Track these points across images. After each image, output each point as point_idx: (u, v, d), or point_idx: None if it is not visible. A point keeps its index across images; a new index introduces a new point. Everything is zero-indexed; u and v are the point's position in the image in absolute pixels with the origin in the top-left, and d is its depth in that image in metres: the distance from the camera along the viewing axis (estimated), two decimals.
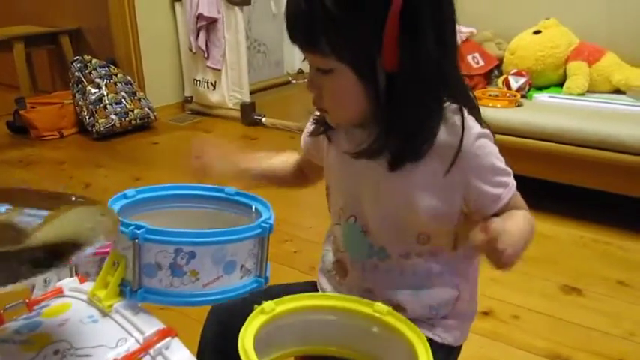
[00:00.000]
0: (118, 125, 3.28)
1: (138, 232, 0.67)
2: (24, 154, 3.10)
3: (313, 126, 0.90)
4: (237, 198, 0.84)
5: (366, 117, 0.78)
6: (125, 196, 0.79)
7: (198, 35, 3.45)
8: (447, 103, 0.78)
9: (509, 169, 0.82)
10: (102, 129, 3.24)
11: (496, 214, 0.80)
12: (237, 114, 3.48)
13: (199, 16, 3.37)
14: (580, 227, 2.10)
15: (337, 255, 0.92)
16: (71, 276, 0.77)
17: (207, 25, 3.40)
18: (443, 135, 0.77)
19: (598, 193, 2.08)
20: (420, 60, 0.73)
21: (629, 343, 1.52)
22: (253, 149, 3.16)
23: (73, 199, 0.66)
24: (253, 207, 0.80)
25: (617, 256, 1.93)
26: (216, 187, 0.86)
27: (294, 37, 0.76)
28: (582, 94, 2.31)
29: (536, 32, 2.43)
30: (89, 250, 0.58)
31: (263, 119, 3.40)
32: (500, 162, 0.80)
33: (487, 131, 0.80)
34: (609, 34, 2.41)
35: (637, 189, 2.00)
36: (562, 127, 2.05)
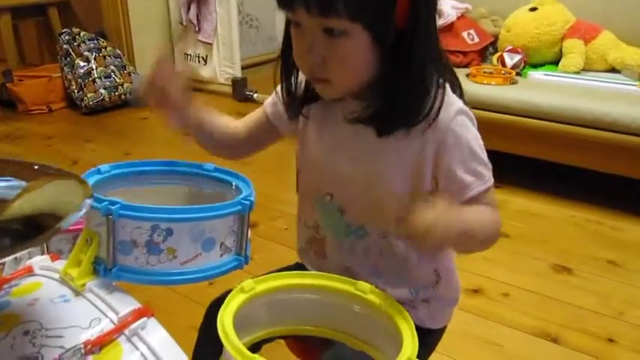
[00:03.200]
0: (107, 99, 3.23)
1: (112, 207, 0.64)
2: (11, 129, 3.05)
3: (291, 100, 0.85)
4: (216, 174, 0.81)
5: (367, 84, 0.75)
6: (99, 171, 0.76)
7: (189, 8, 3.38)
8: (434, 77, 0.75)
9: (488, 162, 0.77)
10: (91, 103, 3.19)
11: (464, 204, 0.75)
12: (229, 89, 3.43)
13: None
14: (572, 206, 2.08)
15: (312, 234, 0.89)
16: (42, 254, 0.74)
17: None
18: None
19: (591, 172, 2.06)
20: (426, 21, 0.71)
21: (619, 322, 1.52)
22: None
23: (52, 171, 0.63)
24: (233, 184, 0.77)
25: (609, 236, 1.92)
26: (194, 163, 0.83)
27: (306, 2, 0.69)
28: (578, 73, 2.27)
29: (533, 9, 2.39)
30: (67, 224, 0.55)
31: (255, 95, 3.35)
32: (480, 149, 0.76)
33: (469, 110, 0.77)
34: (606, 13, 2.37)
35: (631, 169, 1.98)
36: (557, 105, 2.02)
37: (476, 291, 1.64)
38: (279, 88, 0.86)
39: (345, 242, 0.85)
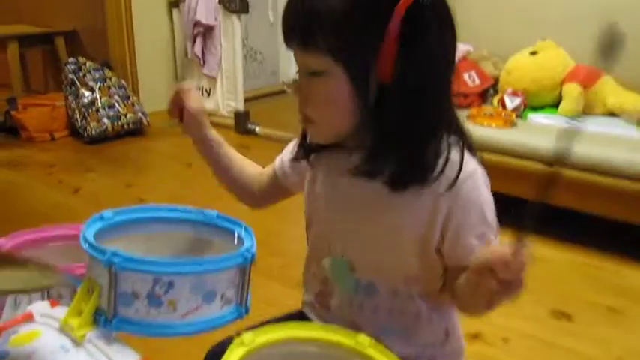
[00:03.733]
0: (110, 129, 3.25)
1: (114, 259, 0.64)
2: (13, 155, 3.07)
3: (296, 149, 0.87)
4: (218, 221, 0.81)
5: (351, 132, 0.75)
6: (102, 218, 0.76)
7: (194, 42, 3.43)
8: (444, 135, 0.75)
9: (495, 225, 0.77)
10: (93, 133, 3.21)
11: (465, 268, 0.74)
12: (231, 122, 3.46)
13: (197, 23, 3.36)
14: (572, 250, 2.08)
15: (321, 288, 0.89)
16: (42, 299, 0.74)
17: (205, 31, 3.39)
18: (437, 168, 0.74)
19: (591, 216, 2.06)
20: (414, 76, 0.70)
21: None
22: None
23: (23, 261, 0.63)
24: (236, 233, 0.78)
25: (609, 282, 1.91)
26: (196, 209, 0.83)
27: (291, 35, 0.73)
28: (577, 117, 2.29)
29: (533, 53, 2.42)
30: None
31: (257, 129, 3.38)
32: (490, 213, 0.76)
33: (482, 169, 0.76)
34: None
35: (630, 214, 1.99)
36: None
37: (475, 336, 1.63)
38: (287, 146, 0.87)
39: (354, 298, 0.84)
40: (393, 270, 0.80)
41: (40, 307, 0.72)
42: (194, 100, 0.92)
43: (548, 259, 2.04)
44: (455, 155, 0.74)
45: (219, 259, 0.69)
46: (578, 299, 1.81)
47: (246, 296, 0.74)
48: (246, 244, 0.74)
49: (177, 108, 0.93)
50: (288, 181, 0.94)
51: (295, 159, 0.89)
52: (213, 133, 0.95)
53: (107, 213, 0.78)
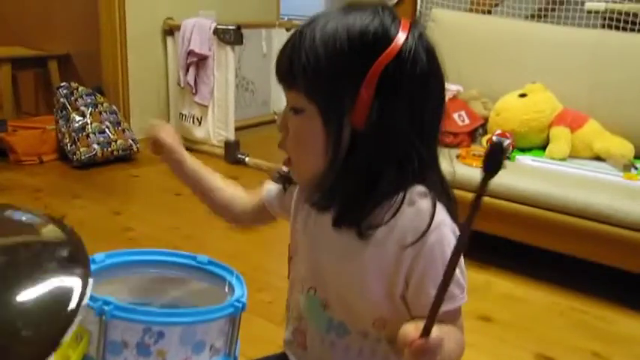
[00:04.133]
0: (100, 155, 3.24)
1: (106, 308, 0.64)
2: (0, 178, 3.04)
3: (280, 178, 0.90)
4: (209, 267, 0.82)
5: (320, 173, 0.77)
6: (94, 261, 0.76)
7: (187, 70, 3.45)
8: (416, 187, 0.76)
9: (463, 282, 0.77)
10: (83, 157, 3.19)
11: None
12: (221, 151, 3.47)
13: (190, 52, 3.38)
14: (556, 293, 2.09)
15: (297, 325, 0.89)
16: None
17: (198, 61, 3.41)
18: (405, 217, 0.75)
19: (577, 259, 2.08)
20: (388, 127, 0.72)
21: None
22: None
23: None
24: (227, 281, 0.78)
25: (593, 326, 1.92)
26: (188, 254, 0.83)
27: (279, 70, 0.77)
28: (564, 160, 2.33)
29: (522, 95, 2.47)
30: None
31: (246, 159, 3.39)
32: (457, 268, 0.75)
33: (453, 224, 0.77)
34: (591, 103, 2.45)
35: (616, 259, 2.01)
36: (543, 192, 2.07)
37: None
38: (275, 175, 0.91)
39: (327, 337, 0.84)
40: (362, 312, 0.81)
41: None
42: (165, 131, 1.00)
43: (532, 302, 2.05)
44: (425, 204, 0.75)
45: (210, 310, 0.69)
46: (562, 344, 1.81)
47: (235, 346, 0.74)
48: (237, 293, 0.75)
49: (152, 141, 1.00)
50: (274, 209, 0.96)
51: (279, 185, 0.92)
52: (187, 157, 1.01)
53: (99, 256, 0.78)
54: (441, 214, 0.76)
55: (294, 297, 0.90)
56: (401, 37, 0.73)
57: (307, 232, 0.85)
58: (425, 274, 0.75)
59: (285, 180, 0.89)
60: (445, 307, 0.73)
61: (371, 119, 0.72)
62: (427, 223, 0.74)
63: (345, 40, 0.72)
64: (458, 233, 0.77)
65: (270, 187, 0.96)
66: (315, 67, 0.72)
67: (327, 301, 0.83)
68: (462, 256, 0.76)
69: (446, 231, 0.76)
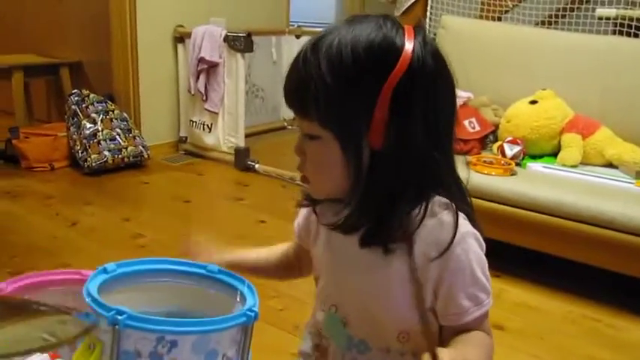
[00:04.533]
0: (111, 162, 3.26)
1: (119, 317, 0.64)
2: (12, 185, 3.06)
3: (304, 202, 0.87)
4: (220, 276, 0.82)
5: (346, 192, 0.76)
6: (105, 271, 0.77)
7: (198, 78, 3.47)
8: (437, 197, 0.76)
9: (489, 287, 0.77)
10: (94, 164, 3.21)
11: (458, 328, 0.76)
12: (231, 158, 3.47)
13: (201, 60, 3.40)
14: (569, 301, 2.08)
15: (318, 341, 0.89)
16: (41, 351, 0.74)
17: (208, 68, 3.43)
18: (428, 230, 0.75)
19: (589, 267, 2.06)
20: (407, 144, 0.72)
21: None
22: (244, 195, 3.13)
23: (35, 307, 0.62)
24: (238, 291, 0.78)
25: (605, 335, 1.90)
26: (198, 263, 0.83)
27: (288, 99, 0.77)
28: (576, 167, 2.32)
29: (533, 102, 2.45)
30: None
31: (256, 166, 3.39)
32: (482, 274, 0.76)
33: (476, 232, 0.77)
34: (603, 109, 2.44)
35: (628, 267, 1.99)
36: (555, 200, 2.05)
37: None
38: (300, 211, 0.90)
39: (347, 355, 0.84)
40: (386, 326, 0.80)
41: None
42: (204, 254, 0.91)
43: (545, 310, 2.03)
44: (447, 216, 0.75)
45: (223, 319, 0.69)
46: (575, 352, 1.79)
47: (247, 355, 0.73)
48: (249, 302, 0.74)
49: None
50: (303, 240, 0.93)
51: (300, 206, 0.89)
52: (229, 257, 0.93)
53: (110, 266, 0.78)
54: (464, 224, 0.76)
55: (316, 314, 0.89)
56: (408, 47, 0.71)
57: (330, 250, 0.84)
58: (453, 285, 0.75)
59: (310, 201, 0.86)
60: (473, 313, 0.75)
61: (389, 138, 0.71)
62: (451, 235, 0.74)
63: (351, 63, 0.70)
64: (481, 240, 0.77)
65: (298, 223, 0.93)
66: (326, 97, 0.71)
67: (347, 319, 0.83)
68: (486, 262, 0.77)
69: (470, 241, 0.76)
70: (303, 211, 0.89)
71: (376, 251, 0.77)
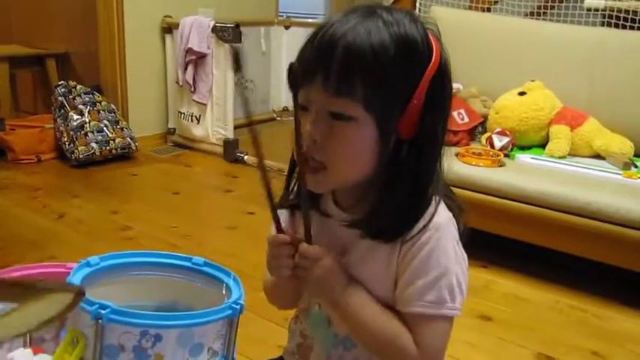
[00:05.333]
0: (98, 154, 3.23)
1: (102, 312, 0.64)
2: None
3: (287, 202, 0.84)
4: (204, 269, 0.81)
5: (362, 181, 0.75)
6: (88, 264, 0.76)
7: (186, 69, 3.44)
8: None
9: (459, 296, 0.75)
10: (81, 156, 3.18)
11: (408, 320, 0.75)
12: (220, 150, 3.46)
13: (189, 50, 3.37)
14: (557, 291, 2.09)
15: (302, 340, 0.88)
16: (24, 346, 0.73)
17: (196, 59, 3.40)
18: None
19: (577, 258, 2.07)
20: (431, 134, 0.74)
21: None
22: (233, 187, 3.12)
23: (40, 286, 0.61)
24: (224, 283, 0.77)
25: (593, 325, 1.92)
26: (184, 255, 0.83)
27: (325, 77, 0.70)
28: (564, 158, 2.33)
29: (521, 93, 2.46)
30: None
31: (245, 157, 3.38)
32: (448, 261, 0.74)
33: (452, 220, 0.77)
34: (591, 100, 2.45)
35: (614, 257, 2.00)
36: (543, 191, 2.06)
37: None
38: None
39: (333, 353, 0.83)
40: None
41: (21, 355, 0.71)
42: None
43: (533, 301, 2.04)
44: (431, 210, 0.76)
45: (208, 312, 0.68)
46: (562, 342, 1.81)
47: (233, 348, 0.73)
48: (234, 295, 0.74)
49: None
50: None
51: (281, 206, 0.85)
52: None
53: (94, 259, 0.77)
54: (443, 213, 0.76)
55: (299, 313, 0.89)
56: (436, 42, 0.74)
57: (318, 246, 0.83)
58: (418, 272, 0.74)
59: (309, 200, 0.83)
60: (428, 308, 0.73)
61: (421, 127, 0.72)
62: (425, 222, 0.74)
63: (397, 49, 0.70)
64: (456, 234, 0.77)
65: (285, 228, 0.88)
66: (378, 78, 0.70)
67: (331, 316, 0.82)
68: (465, 267, 0.77)
69: (443, 231, 0.75)
70: (283, 214, 0.84)
71: (368, 245, 0.76)
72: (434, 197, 0.76)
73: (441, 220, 0.75)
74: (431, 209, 0.75)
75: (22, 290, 0.56)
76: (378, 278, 0.77)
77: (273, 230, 0.83)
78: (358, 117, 0.71)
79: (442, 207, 0.77)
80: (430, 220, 0.74)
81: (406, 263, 0.75)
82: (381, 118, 0.71)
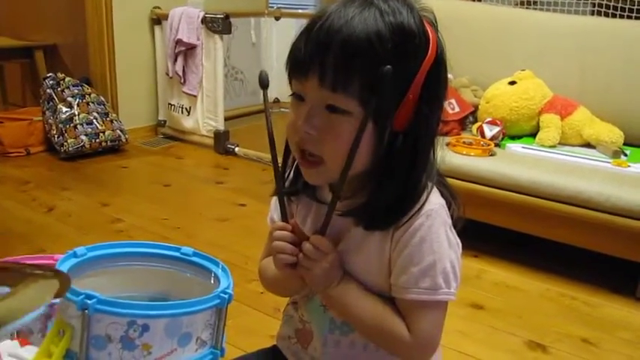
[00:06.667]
0: (88, 146, 3.21)
1: (88, 302, 0.63)
2: None
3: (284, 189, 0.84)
4: (193, 259, 0.81)
5: (358, 172, 0.75)
6: (75, 255, 0.75)
7: (175, 60, 3.41)
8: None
9: (453, 282, 0.75)
10: (70, 149, 3.16)
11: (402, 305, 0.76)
12: (211, 141, 3.44)
13: (178, 42, 3.35)
14: (547, 280, 2.10)
15: (301, 325, 0.88)
16: (12, 338, 0.72)
17: (186, 50, 3.38)
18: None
19: (567, 246, 2.09)
20: (426, 126, 0.74)
21: None
22: (224, 179, 3.11)
23: (28, 271, 0.61)
24: (212, 273, 0.77)
25: (583, 312, 1.93)
26: (172, 246, 0.82)
27: (321, 71, 0.69)
28: (554, 147, 2.33)
29: (512, 82, 2.46)
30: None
31: (236, 149, 3.36)
32: (441, 247, 0.75)
33: (444, 207, 0.77)
34: (581, 89, 2.45)
35: (605, 245, 2.01)
36: (533, 180, 2.06)
37: None
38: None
39: (330, 337, 0.83)
40: None
41: (8, 346, 0.70)
42: None
43: (523, 289, 2.05)
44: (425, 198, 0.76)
45: (196, 302, 0.68)
46: (553, 330, 1.82)
47: (222, 338, 0.73)
48: (223, 284, 0.73)
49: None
50: None
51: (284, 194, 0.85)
52: None
53: (80, 249, 0.77)
54: (435, 198, 0.77)
55: (294, 299, 0.89)
56: (432, 32, 0.74)
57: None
58: (412, 258, 0.75)
59: (288, 193, 0.84)
60: (423, 294, 0.74)
61: (417, 119, 0.72)
62: (416, 209, 0.74)
63: (394, 44, 0.70)
64: (449, 220, 0.77)
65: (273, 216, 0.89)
66: (374, 74, 0.68)
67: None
68: (459, 253, 0.77)
69: (436, 217, 0.76)
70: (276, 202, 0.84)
71: (362, 233, 0.77)
72: (427, 185, 0.76)
73: (433, 206, 0.76)
74: (423, 196, 0.76)
75: (10, 274, 0.55)
76: (371, 266, 0.78)
77: (275, 217, 0.85)
78: (354, 112, 0.71)
79: (434, 194, 0.77)
80: (422, 207, 0.75)
81: (399, 250, 0.75)
82: (379, 112, 0.71)
